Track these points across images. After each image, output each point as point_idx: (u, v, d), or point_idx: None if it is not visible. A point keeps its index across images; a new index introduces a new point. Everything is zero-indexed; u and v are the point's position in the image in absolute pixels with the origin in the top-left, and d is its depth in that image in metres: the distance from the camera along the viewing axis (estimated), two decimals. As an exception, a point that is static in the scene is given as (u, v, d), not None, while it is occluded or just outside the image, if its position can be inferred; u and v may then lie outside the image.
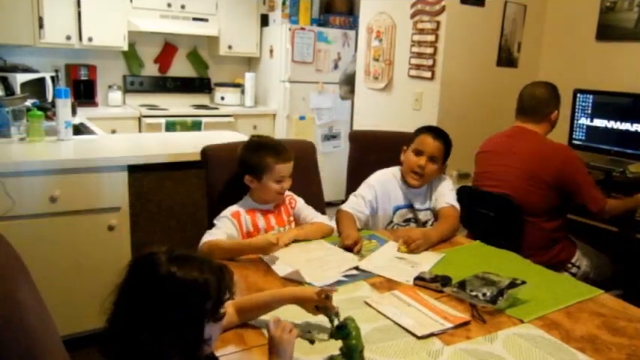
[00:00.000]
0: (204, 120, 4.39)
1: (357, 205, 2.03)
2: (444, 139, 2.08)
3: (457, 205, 2.07)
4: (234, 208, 1.82)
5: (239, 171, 1.85)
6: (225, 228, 1.76)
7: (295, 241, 1.77)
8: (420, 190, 2.11)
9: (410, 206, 2.11)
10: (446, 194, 2.09)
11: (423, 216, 2.12)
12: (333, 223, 1.94)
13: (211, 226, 1.77)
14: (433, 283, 1.47)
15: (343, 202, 2.10)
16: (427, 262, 1.67)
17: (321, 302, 1.17)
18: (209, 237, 1.70)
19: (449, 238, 1.92)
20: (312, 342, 1.07)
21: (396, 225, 2.10)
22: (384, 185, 2.10)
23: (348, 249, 1.72)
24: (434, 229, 1.94)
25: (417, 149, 2.06)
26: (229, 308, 1.11)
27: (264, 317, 1.24)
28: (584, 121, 2.84)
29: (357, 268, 1.59)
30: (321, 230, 1.85)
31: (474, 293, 1.38)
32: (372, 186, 2.09)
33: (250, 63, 5.18)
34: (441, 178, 2.14)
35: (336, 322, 1.10)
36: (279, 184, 1.81)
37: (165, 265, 0.94)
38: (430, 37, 3.08)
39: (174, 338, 0.91)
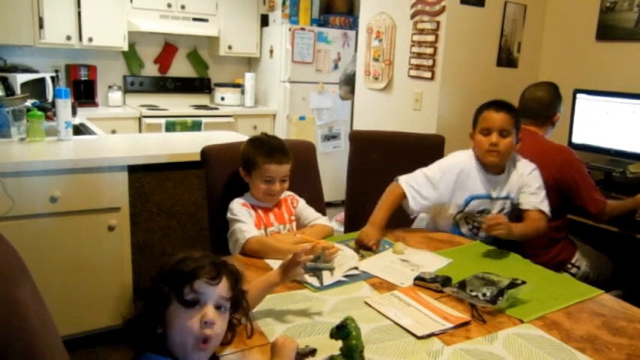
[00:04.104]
0: (204, 120, 4.39)
1: (418, 186, 1.88)
2: (507, 109, 1.92)
3: (547, 210, 1.92)
4: (240, 200, 1.82)
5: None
6: (249, 218, 1.75)
7: None
8: (501, 177, 1.95)
9: (488, 196, 1.96)
10: (535, 193, 1.93)
11: (498, 206, 1.97)
12: (332, 224, 1.93)
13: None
14: (433, 283, 1.46)
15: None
16: (430, 266, 1.64)
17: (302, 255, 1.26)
18: (248, 233, 1.68)
19: (528, 239, 1.88)
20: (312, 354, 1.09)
21: (464, 214, 1.98)
22: (463, 172, 1.93)
23: (361, 245, 1.73)
24: (519, 224, 1.85)
25: (483, 128, 1.91)
26: None
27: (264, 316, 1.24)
28: (583, 121, 2.84)
29: (356, 268, 1.59)
30: (321, 232, 1.85)
31: (474, 293, 1.38)
32: (449, 171, 1.92)
33: (250, 63, 5.18)
34: (527, 166, 1.97)
35: (323, 265, 1.28)
36: (267, 185, 1.79)
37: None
38: (430, 37, 3.08)
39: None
